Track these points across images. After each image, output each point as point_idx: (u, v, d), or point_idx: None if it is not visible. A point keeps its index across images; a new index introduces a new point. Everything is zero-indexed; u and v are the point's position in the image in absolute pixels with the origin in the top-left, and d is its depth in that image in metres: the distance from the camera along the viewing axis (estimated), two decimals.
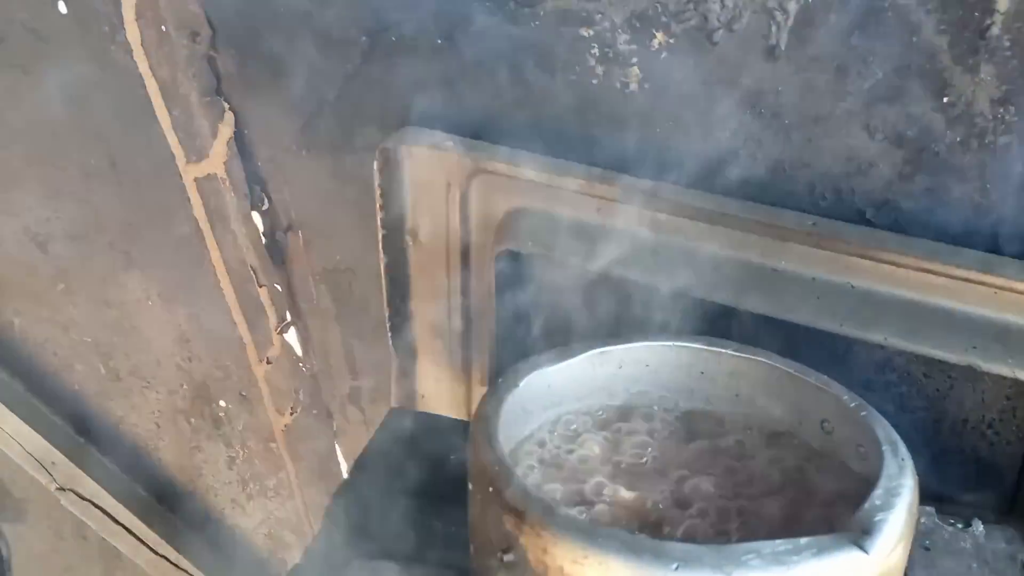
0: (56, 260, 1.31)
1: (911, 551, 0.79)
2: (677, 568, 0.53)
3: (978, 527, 0.87)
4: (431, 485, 0.92)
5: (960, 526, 0.87)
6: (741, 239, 0.86)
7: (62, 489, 1.44)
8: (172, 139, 1.09)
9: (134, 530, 1.47)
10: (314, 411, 1.37)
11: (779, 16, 0.73)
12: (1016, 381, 0.86)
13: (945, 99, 0.73)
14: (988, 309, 0.79)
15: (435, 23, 0.88)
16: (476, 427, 0.66)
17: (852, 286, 0.84)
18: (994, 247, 0.78)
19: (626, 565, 0.53)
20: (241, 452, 1.47)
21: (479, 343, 1.09)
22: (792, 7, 0.73)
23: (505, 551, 0.59)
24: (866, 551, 0.55)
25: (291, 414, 1.37)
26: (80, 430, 1.48)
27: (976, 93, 0.73)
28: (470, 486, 0.65)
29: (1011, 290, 0.78)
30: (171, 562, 1.50)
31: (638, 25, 0.78)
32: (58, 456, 1.42)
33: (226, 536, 1.59)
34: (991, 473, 0.93)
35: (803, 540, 0.55)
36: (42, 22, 1.06)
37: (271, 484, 1.50)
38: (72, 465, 1.43)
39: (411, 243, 1.03)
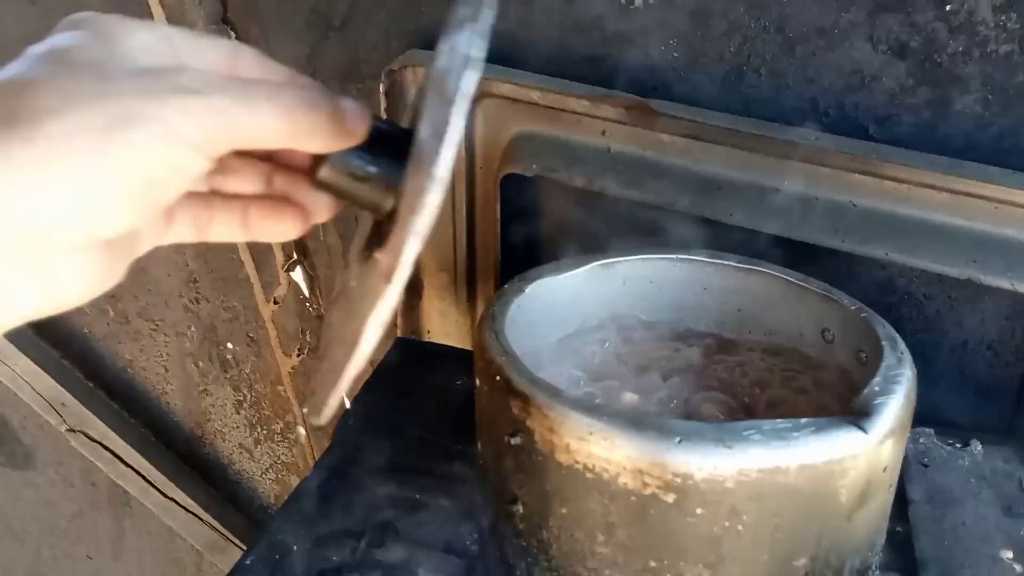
0: None
1: (909, 468, 0.81)
2: (680, 442, 0.54)
3: (976, 447, 0.88)
4: (437, 404, 0.93)
5: (959, 446, 0.89)
6: (744, 158, 0.86)
7: (72, 430, 1.46)
8: None
9: (143, 472, 1.49)
10: (310, 347, 1.38)
11: None
12: (1015, 301, 0.87)
13: (948, 7, 0.74)
14: (989, 223, 0.80)
15: None
16: (483, 323, 0.67)
17: (854, 204, 0.85)
18: (996, 160, 0.79)
19: (630, 440, 0.54)
20: (248, 395, 1.49)
21: (484, 274, 1.10)
22: None
23: (512, 435, 0.60)
24: (865, 431, 0.56)
25: (298, 356, 1.39)
26: (89, 374, 1.50)
27: (975, 3, 0.73)
28: (477, 382, 0.66)
29: (1012, 203, 0.78)
30: (180, 504, 1.52)
31: None
32: (68, 397, 1.43)
33: (233, 481, 1.61)
34: (990, 395, 0.94)
35: (803, 420, 0.56)
36: None
37: (278, 428, 1.51)
38: (81, 406, 1.44)
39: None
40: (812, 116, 0.83)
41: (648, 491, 0.54)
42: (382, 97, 0.96)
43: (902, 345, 0.66)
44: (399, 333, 1.15)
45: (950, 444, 0.89)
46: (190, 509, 1.53)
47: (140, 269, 1.37)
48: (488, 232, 1.04)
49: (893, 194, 0.82)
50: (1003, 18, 0.72)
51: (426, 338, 1.18)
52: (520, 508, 0.62)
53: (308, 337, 1.37)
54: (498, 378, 0.61)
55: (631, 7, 0.84)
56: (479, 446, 0.70)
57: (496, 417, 0.62)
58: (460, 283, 1.12)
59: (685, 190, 0.88)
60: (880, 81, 0.79)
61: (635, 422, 0.55)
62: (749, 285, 0.79)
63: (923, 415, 0.88)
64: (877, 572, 0.69)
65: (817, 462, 0.54)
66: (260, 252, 1.26)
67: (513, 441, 0.60)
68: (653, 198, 0.89)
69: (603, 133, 0.92)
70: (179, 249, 1.33)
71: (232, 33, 1.06)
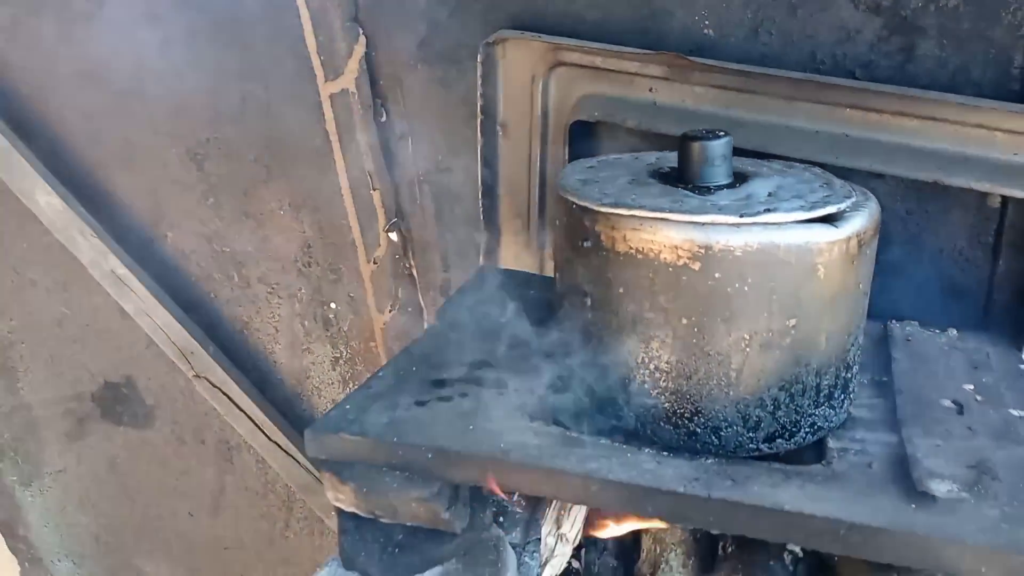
0: (209, 177, 1.62)
1: (895, 342, 1.03)
2: (702, 224, 0.78)
3: (952, 332, 1.10)
4: (518, 308, 1.17)
5: (938, 331, 1.10)
6: (762, 102, 1.12)
7: (198, 376, 1.72)
8: (316, 61, 1.41)
9: (253, 417, 1.74)
10: (409, 308, 1.63)
11: None
12: (978, 210, 1.10)
13: None
14: (948, 140, 1.04)
15: None
16: (560, 177, 0.92)
17: (847, 135, 1.09)
18: (952, 90, 1.03)
19: (667, 225, 0.78)
20: (344, 352, 1.74)
21: (552, 220, 1.35)
22: None
23: (584, 240, 0.84)
24: (836, 227, 0.79)
25: (389, 312, 1.64)
26: (211, 334, 1.77)
27: None
28: (558, 219, 0.91)
29: (964, 123, 1.02)
30: (280, 447, 1.76)
31: None
32: (196, 347, 1.70)
33: None
34: (965, 295, 1.15)
35: (795, 215, 0.79)
36: None
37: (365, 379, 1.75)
38: (207, 356, 1.71)
39: (501, 133, 1.31)
40: (811, 65, 1.09)
41: (680, 262, 0.78)
42: (479, 66, 1.24)
43: (872, 196, 0.89)
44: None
45: (931, 330, 1.10)
46: (289, 452, 1.76)
47: (264, 237, 1.65)
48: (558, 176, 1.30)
49: (876, 123, 1.07)
50: None
51: None
52: (589, 299, 0.86)
53: (399, 294, 1.62)
54: (573, 204, 0.86)
55: None
56: (557, 277, 0.94)
57: (571, 234, 0.87)
58: (532, 228, 1.37)
59: None
60: (861, 34, 1.05)
61: (672, 211, 0.79)
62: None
63: (908, 315, 1.11)
64: (853, 393, 0.90)
65: (800, 243, 0.78)
66: (365, 216, 1.54)
67: (585, 244, 0.84)
68: None
69: (650, 90, 1.19)
70: (298, 217, 1.61)
71: (360, 29, 1.37)
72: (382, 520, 0.84)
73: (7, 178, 1.61)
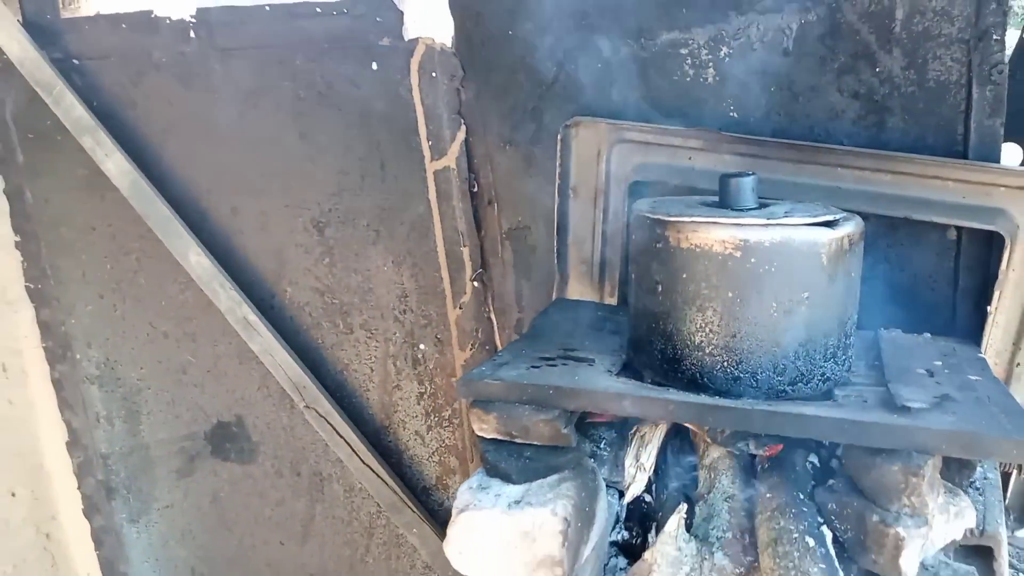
0: (327, 240, 2.01)
1: (881, 340, 1.37)
2: (742, 225, 1.14)
3: (927, 335, 1.44)
4: (591, 321, 1.52)
5: (916, 335, 1.44)
6: (774, 165, 1.51)
7: (308, 407, 2.05)
8: (425, 145, 1.82)
9: (350, 443, 2.05)
10: (486, 347, 1.98)
11: (787, 32, 1.43)
12: (940, 242, 1.47)
13: (877, 69, 1.41)
14: (913, 189, 1.42)
15: (591, 57, 1.60)
16: (635, 206, 1.29)
17: (839, 187, 1.47)
18: (916, 151, 1.41)
19: (717, 227, 1.15)
20: (429, 387, 2.07)
21: (610, 263, 1.72)
22: (794, 27, 1.43)
23: (656, 242, 1.20)
24: (832, 228, 1.16)
25: (470, 350, 1.99)
26: (316, 373, 2.10)
27: (892, 66, 1.40)
28: (633, 234, 1.28)
29: (923, 175, 1.40)
30: (373, 470, 2.06)
31: (712, 44, 1.49)
32: (307, 382, 2.03)
33: (406, 465, 2.15)
34: (935, 311, 1.50)
35: (808, 219, 1.15)
36: (358, 76, 1.83)
37: (447, 415, 2.08)
38: (315, 390, 2.04)
39: (572, 195, 1.70)
40: (810, 136, 1.48)
41: (727, 251, 1.14)
42: (559, 143, 1.64)
43: (857, 216, 1.25)
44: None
45: (909, 333, 1.44)
46: (379, 474, 2.06)
47: (368, 290, 2.02)
48: (616, 232, 1.68)
49: (860, 177, 1.45)
50: (908, 73, 1.39)
51: None
52: (659, 287, 1.21)
53: (479, 334, 1.97)
54: (649, 218, 1.23)
55: (705, 82, 1.53)
56: (632, 278, 1.30)
57: (647, 241, 1.23)
58: (595, 272, 1.74)
59: None
60: (845, 113, 1.45)
61: (719, 217, 1.16)
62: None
63: (893, 325, 1.45)
64: (852, 355, 1.24)
65: (809, 238, 1.14)
66: (455, 268, 1.91)
67: (657, 245, 1.20)
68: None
69: (689, 158, 1.58)
70: (399, 272, 1.98)
71: (462, 119, 1.78)
72: (516, 440, 1.16)
73: (167, 242, 2.00)
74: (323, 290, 2.07)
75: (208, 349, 2.19)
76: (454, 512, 1.14)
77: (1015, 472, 1.51)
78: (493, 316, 1.95)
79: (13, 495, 2.33)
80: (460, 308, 1.96)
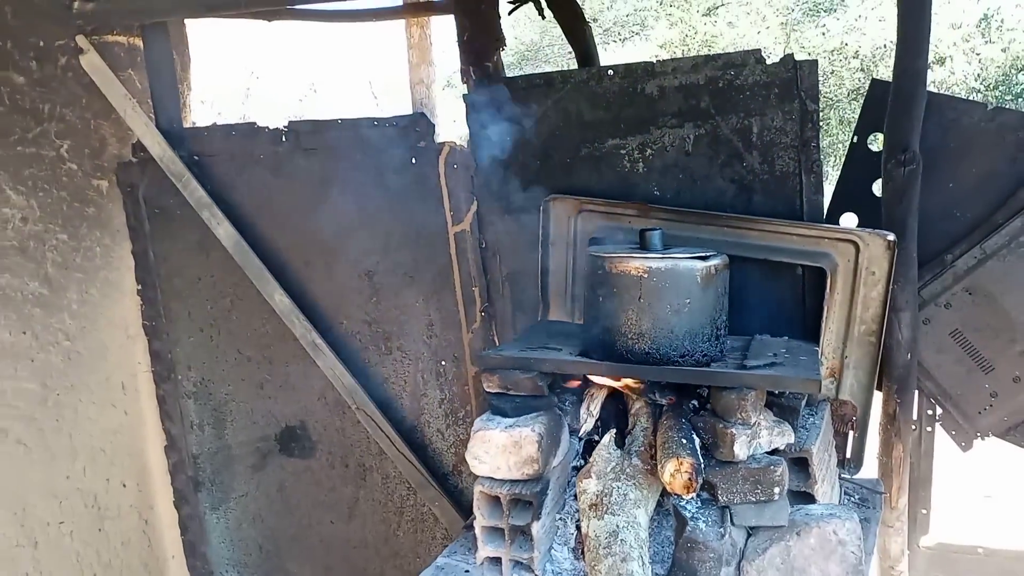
0: (375, 285, 2.75)
1: (754, 340, 2.10)
2: (651, 258, 1.89)
3: (785, 338, 2.17)
4: (563, 331, 2.25)
5: (777, 337, 2.17)
6: (682, 225, 2.26)
7: (359, 408, 2.75)
8: (448, 215, 2.58)
9: (389, 436, 2.74)
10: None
11: (687, 140, 2.21)
12: (791, 275, 2.21)
13: (744, 164, 2.18)
14: (771, 240, 2.17)
15: (563, 155, 2.38)
16: (589, 251, 2.04)
17: (725, 240, 2.22)
18: (772, 215, 2.17)
19: (636, 258, 1.89)
20: (448, 394, 2.77)
21: (579, 295, 2.45)
22: (691, 137, 2.21)
23: (600, 270, 1.94)
24: (705, 262, 1.90)
25: (474, 365, 2.70)
26: (363, 384, 2.81)
27: (753, 162, 2.17)
28: (586, 268, 2.02)
29: (777, 232, 2.15)
30: (406, 457, 2.75)
31: (641, 147, 2.27)
32: (358, 390, 2.74)
33: (431, 457, 2.83)
34: (794, 324, 2.22)
35: (688, 254, 1.90)
36: (402, 168, 2.60)
37: (461, 415, 2.78)
38: (364, 395, 2.75)
39: (552, 248, 2.45)
40: (707, 206, 2.24)
41: (640, 274, 1.88)
42: (541, 215, 2.40)
43: (724, 256, 1.99)
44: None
45: (775, 337, 2.17)
46: (411, 461, 2.75)
47: (405, 321, 2.75)
48: (582, 272, 2.42)
49: (737, 232, 2.20)
50: (763, 167, 2.16)
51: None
52: (600, 298, 1.94)
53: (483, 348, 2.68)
54: (598, 257, 1.97)
55: (637, 172, 2.30)
56: (585, 295, 2.03)
57: (593, 271, 1.97)
58: (568, 301, 2.47)
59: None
60: (727, 192, 2.21)
61: (636, 254, 1.90)
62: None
63: (762, 332, 2.18)
64: (723, 342, 1.96)
65: (689, 265, 1.88)
66: (468, 302, 2.64)
67: (599, 272, 1.94)
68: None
69: (629, 221, 2.33)
70: (427, 307, 2.71)
71: (474, 197, 2.55)
72: (510, 392, 1.88)
73: (259, 286, 2.74)
74: (370, 321, 2.80)
75: (281, 369, 2.91)
76: (472, 433, 1.84)
77: (851, 431, 2.22)
78: (496, 338, 2.67)
79: (124, 486, 3.01)
80: (472, 332, 2.68)
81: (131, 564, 3.02)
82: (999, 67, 12.33)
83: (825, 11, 13.87)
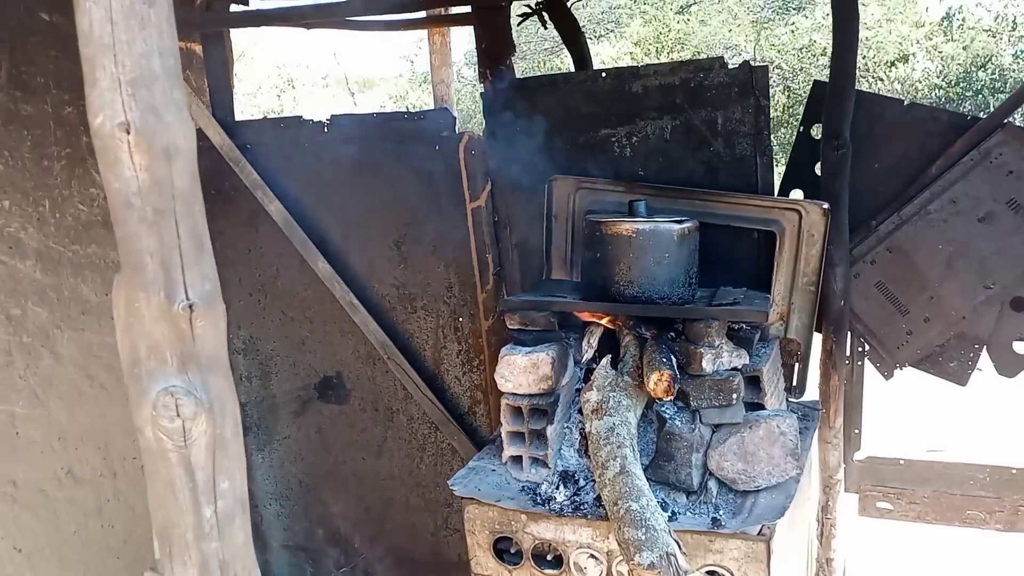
0: (402, 253, 3.24)
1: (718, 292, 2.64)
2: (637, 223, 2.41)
3: (744, 288, 2.71)
4: (562, 286, 2.76)
5: (738, 288, 2.71)
6: (662, 201, 2.78)
7: (389, 359, 3.25)
8: (466, 193, 3.08)
9: (415, 382, 3.25)
10: (501, 319, 3.20)
11: (665, 129, 2.74)
12: (750, 238, 2.75)
13: (712, 149, 2.71)
14: (734, 210, 2.70)
15: (563, 142, 2.89)
16: (587, 216, 2.56)
17: (697, 210, 2.75)
18: (734, 190, 2.70)
19: (625, 222, 2.42)
20: (464, 347, 3.28)
21: (576, 259, 2.97)
22: (668, 127, 2.74)
23: (596, 231, 2.46)
24: (679, 224, 2.43)
25: (490, 320, 3.21)
26: (392, 338, 3.31)
27: (719, 147, 2.70)
28: (585, 232, 2.54)
29: (737, 203, 2.69)
30: (429, 399, 3.25)
31: (627, 135, 2.79)
32: (389, 343, 3.24)
33: (449, 400, 3.34)
34: (751, 274, 2.76)
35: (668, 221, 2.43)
36: (427, 154, 3.10)
37: (475, 364, 3.28)
38: (394, 347, 3.25)
39: (555, 221, 2.96)
40: (680, 183, 2.77)
41: (629, 235, 2.40)
42: (546, 193, 2.92)
43: (695, 220, 2.52)
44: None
45: (736, 288, 2.71)
46: (434, 402, 3.25)
47: (427, 283, 3.25)
48: (579, 240, 2.93)
49: (706, 204, 2.73)
50: (727, 151, 2.69)
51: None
52: (597, 254, 2.45)
53: (497, 309, 3.19)
54: (594, 220, 2.49)
55: (625, 156, 2.82)
56: (584, 253, 2.55)
57: (592, 231, 2.48)
58: (567, 263, 2.99)
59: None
60: (697, 172, 2.74)
61: (626, 219, 2.42)
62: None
63: (726, 284, 2.72)
64: (695, 288, 2.49)
65: (668, 228, 2.40)
66: (483, 266, 3.14)
67: (597, 233, 2.45)
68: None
69: (618, 196, 2.85)
70: (447, 272, 3.21)
71: (489, 177, 3.05)
72: (527, 328, 2.40)
73: (304, 254, 3.23)
74: (398, 285, 3.30)
75: (320, 327, 3.40)
76: (499, 357, 2.36)
77: (797, 363, 2.76)
78: (507, 296, 3.18)
79: None
80: (485, 293, 3.19)
81: None
82: (960, 64, 13.02)
83: (795, 9, 14.52)
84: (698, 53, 10.41)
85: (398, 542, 3.54)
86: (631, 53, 10.80)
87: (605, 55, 10.44)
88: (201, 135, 3.28)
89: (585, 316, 2.54)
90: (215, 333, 1.31)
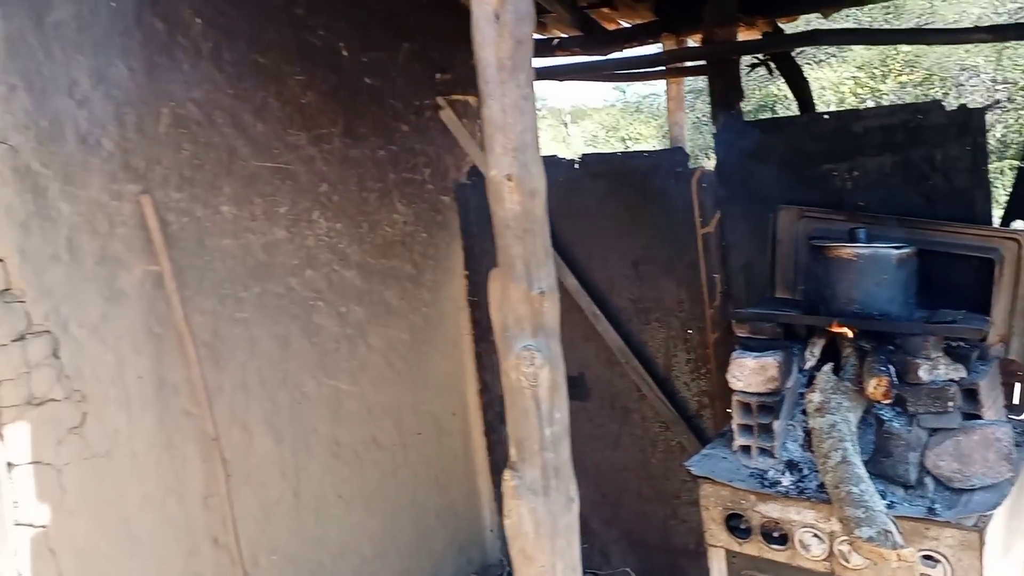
0: (639, 272, 3.75)
1: None
2: None
3: (962, 312, 2.96)
4: (786, 303, 3.14)
5: (957, 311, 2.96)
6: (882, 229, 3.08)
7: (627, 363, 3.76)
8: (697, 220, 3.54)
9: (649, 383, 3.73)
10: (728, 330, 3.61)
11: (887, 163, 3.05)
12: (970, 265, 2.99)
13: (930, 182, 2.98)
14: (954, 239, 2.96)
15: (787, 176, 3.27)
16: (814, 242, 2.93)
17: (914, 238, 3.03)
18: (952, 219, 2.96)
19: (848, 247, 2.77)
20: (693, 355, 3.72)
21: (797, 281, 3.33)
22: (888, 162, 3.05)
23: (821, 255, 2.83)
24: (898, 249, 2.75)
25: (717, 332, 3.63)
26: (629, 346, 3.81)
27: (942, 183, 2.97)
28: (809, 255, 2.91)
29: (957, 232, 2.94)
30: (661, 400, 3.72)
31: (848, 171, 3.14)
32: (625, 350, 3.75)
33: (679, 403, 3.79)
34: (969, 299, 2.98)
35: None
36: (663, 186, 3.59)
37: (703, 371, 3.71)
38: (630, 353, 3.75)
39: (779, 247, 3.34)
40: (897, 213, 3.07)
41: (851, 258, 2.75)
42: (771, 219, 3.31)
43: (911, 247, 2.81)
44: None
45: (955, 310, 2.96)
46: (666, 404, 3.72)
47: (659, 298, 3.72)
48: (801, 264, 3.29)
49: (924, 234, 3.00)
50: (946, 184, 2.96)
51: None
52: (819, 277, 2.82)
53: (723, 323, 3.60)
54: (819, 244, 2.86)
55: (845, 189, 3.15)
56: (807, 274, 2.91)
57: (816, 254, 2.85)
58: (789, 284, 3.35)
59: None
60: (917, 202, 3.03)
61: (849, 245, 2.77)
62: None
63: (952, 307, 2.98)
64: (913, 305, 2.78)
65: (887, 252, 2.73)
66: (711, 286, 3.57)
67: (820, 256, 2.82)
68: None
69: (839, 224, 3.19)
70: (678, 290, 3.67)
71: (718, 207, 3.49)
72: (755, 336, 2.81)
73: (558, 273, 3.83)
74: (634, 299, 3.81)
75: (567, 333, 3.95)
76: (731, 360, 2.78)
77: (1018, 383, 2.95)
78: (726, 310, 3.59)
79: (453, 415, 4.19)
80: (713, 308, 3.62)
81: (455, 471, 4.20)
82: None
83: None
84: (929, 76, 10.11)
85: (631, 527, 4.03)
86: (855, 78, 10.66)
87: (826, 80, 10.40)
88: (477, 171, 3.99)
89: (812, 327, 2.91)
90: (554, 312, 1.88)
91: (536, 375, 1.84)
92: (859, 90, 11.02)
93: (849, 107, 10.77)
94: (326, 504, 3.49)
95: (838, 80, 10.73)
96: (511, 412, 1.90)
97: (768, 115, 10.06)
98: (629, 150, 3.78)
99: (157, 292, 2.81)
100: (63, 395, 2.62)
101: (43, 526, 2.59)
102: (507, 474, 1.91)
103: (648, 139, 14.11)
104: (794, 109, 3.91)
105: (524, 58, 1.71)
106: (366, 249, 3.66)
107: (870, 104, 10.88)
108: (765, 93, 10.97)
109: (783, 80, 3.81)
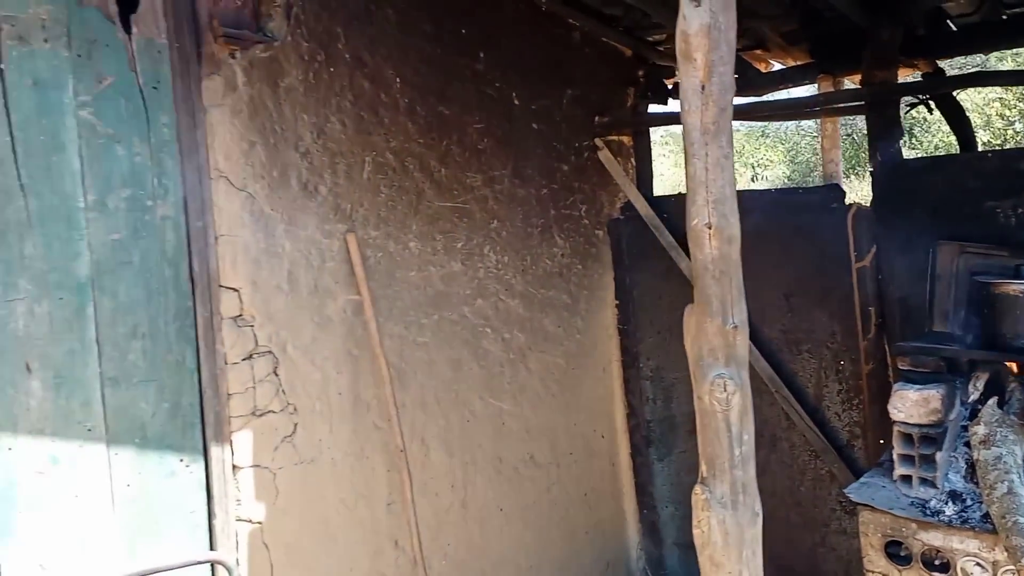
0: (791, 303, 3.86)
1: None
2: None
3: None
4: (946, 336, 3.19)
5: None
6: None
7: (776, 392, 3.87)
8: (851, 255, 3.62)
9: (799, 413, 3.82)
10: (883, 362, 3.66)
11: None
12: None
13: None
14: None
15: (946, 213, 3.32)
16: (980, 276, 2.99)
17: None
18: None
19: (1013, 284, 2.82)
20: (845, 387, 3.79)
21: (956, 316, 3.37)
22: None
23: (985, 291, 2.89)
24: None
25: (871, 364, 3.69)
26: (780, 376, 3.92)
27: None
28: (973, 291, 2.97)
29: None
30: (812, 429, 3.81)
31: (1012, 207, 3.17)
32: (776, 379, 3.86)
33: (830, 433, 3.86)
34: None
35: None
36: (818, 221, 3.70)
37: (855, 403, 3.77)
38: (780, 383, 3.86)
39: (939, 282, 3.39)
40: None
41: (1018, 294, 2.80)
42: (931, 254, 3.37)
43: None
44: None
45: None
46: (817, 432, 3.80)
47: (810, 331, 3.82)
48: (962, 299, 3.33)
49: None
50: None
51: None
52: (986, 311, 2.88)
53: (877, 355, 3.66)
54: (985, 281, 2.92)
55: (1009, 225, 3.18)
56: (972, 309, 2.97)
57: (981, 290, 2.91)
58: (949, 317, 3.39)
59: None
60: None
61: (1013, 280, 2.83)
62: None
63: None
64: None
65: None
66: (864, 319, 3.64)
67: (985, 292, 2.88)
68: None
69: (1001, 260, 3.22)
70: (831, 320, 3.76)
71: (874, 241, 3.57)
72: (917, 369, 2.89)
73: None
74: (785, 330, 3.92)
75: None
76: (892, 392, 2.87)
77: None
78: (887, 345, 3.65)
79: (602, 437, 4.40)
80: (867, 340, 3.69)
81: (603, 491, 4.40)
82: None
83: None
84: None
85: (778, 553, 4.09)
86: (1001, 99, 10.28)
87: (971, 102, 10.07)
88: (630, 207, 4.22)
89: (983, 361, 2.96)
90: (744, 344, 2.07)
91: (728, 400, 2.03)
92: (1006, 112, 10.61)
93: (995, 128, 10.39)
94: (489, 516, 3.76)
95: (983, 102, 10.37)
96: (703, 433, 2.10)
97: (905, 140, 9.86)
98: (785, 187, 3.86)
99: (356, 319, 3.17)
100: (280, 407, 3.00)
101: (259, 522, 2.96)
102: (698, 488, 2.10)
103: (777, 164, 13.96)
104: (931, 132, 3.95)
105: (726, 123, 1.92)
106: (528, 280, 3.94)
107: (1019, 127, 10.46)
108: (911, 114, 10.71)
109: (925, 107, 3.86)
